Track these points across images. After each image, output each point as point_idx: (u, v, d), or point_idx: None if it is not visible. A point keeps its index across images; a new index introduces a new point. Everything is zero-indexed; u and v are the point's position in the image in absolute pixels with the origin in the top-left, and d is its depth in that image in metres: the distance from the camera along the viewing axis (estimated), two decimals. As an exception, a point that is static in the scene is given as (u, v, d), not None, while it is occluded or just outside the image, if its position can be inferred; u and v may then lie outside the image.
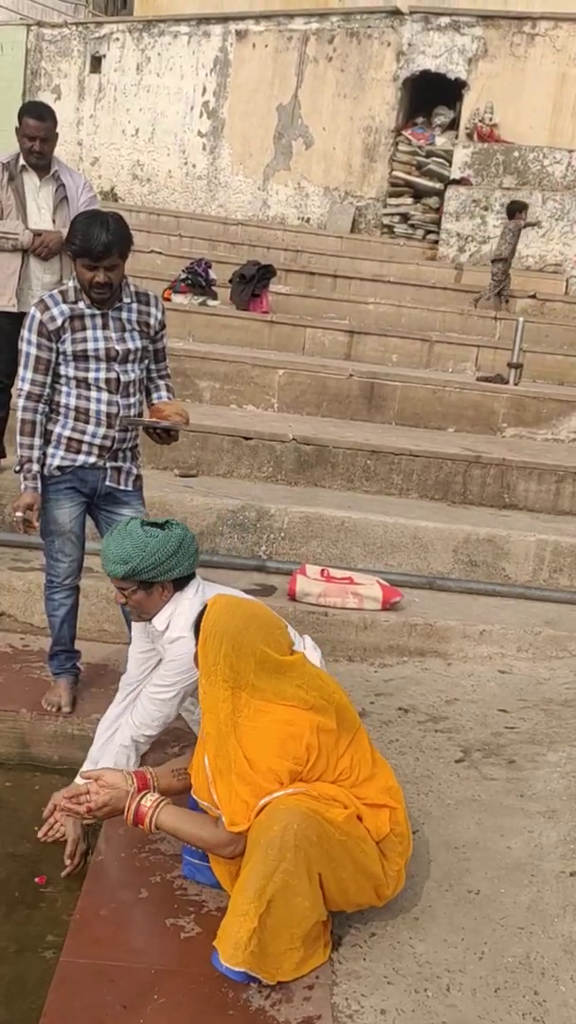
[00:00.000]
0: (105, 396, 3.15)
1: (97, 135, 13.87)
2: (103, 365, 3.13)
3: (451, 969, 2.22)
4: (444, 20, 11.68)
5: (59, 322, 3.06)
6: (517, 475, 5.37)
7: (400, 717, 3.50)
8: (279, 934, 2.12)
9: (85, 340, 3.09)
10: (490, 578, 4.67)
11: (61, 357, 3.11)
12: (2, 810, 2.96)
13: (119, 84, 13.64)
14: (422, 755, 3.22)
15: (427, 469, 5.34)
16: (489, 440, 6.21)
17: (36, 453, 3.14)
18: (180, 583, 2.72)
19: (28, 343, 3.09)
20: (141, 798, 2.34)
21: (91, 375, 3.13)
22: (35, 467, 3.13)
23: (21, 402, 3.14)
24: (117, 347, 3.14)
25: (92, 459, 3.20)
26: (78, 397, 3.14)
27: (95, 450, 3.19)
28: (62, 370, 3.13)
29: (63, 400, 3.15)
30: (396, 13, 11.86)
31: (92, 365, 3.12)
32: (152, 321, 3.23)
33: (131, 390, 3.21)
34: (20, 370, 3.14)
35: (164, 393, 3.38)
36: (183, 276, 8.30)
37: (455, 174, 11.25)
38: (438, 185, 11.48)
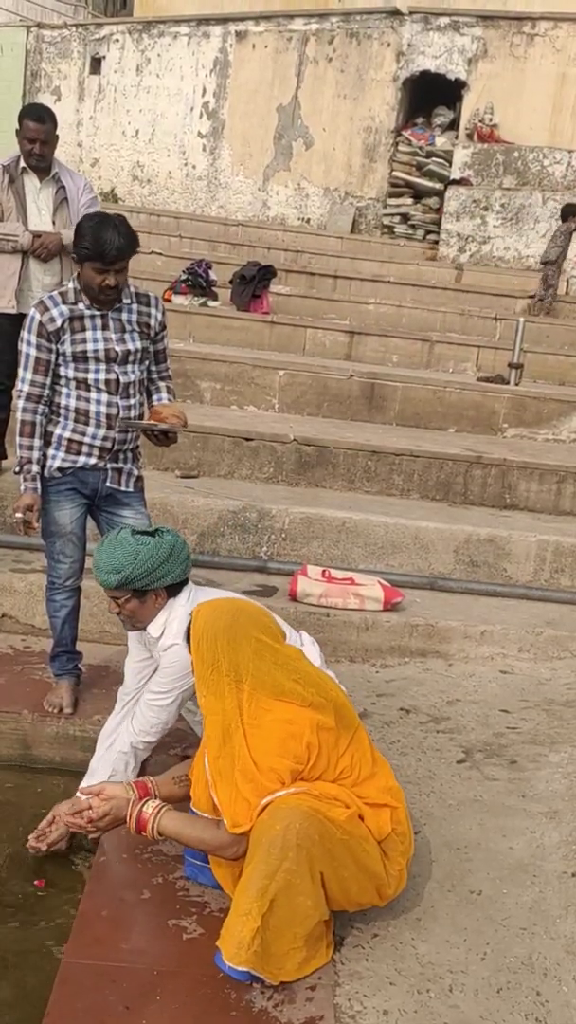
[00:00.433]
0: (105, 397, 3.15)
1: (97, 136, 13.88)
2: (103, 366, 3.13)
3: (453, 970, 2.22)
4: (444, 20, 11.68)
5: (59, 323, 3.06)
6: (518, 475, 5.37)
7: (402, 718, 3.50)
8: (282, 934, 2.12)
9: (85, 341, 3.09)
10: (491, 578, 4.67)
11: (61, 358, 3.11)
12: (3, 811, 2.96)
13: (119, 85, 13.64)
14: (424, 756, 3.22)
15: (428, 470, 5.34)
16: (490, 440, 6.21)
17: (36, 454, 3.14)
18: (173, 590, 2.72)
19: (28, 344, 3.10)
20: (142, 805, 2.34)
21: (91, 376, 3.13)
22: (35, 468, 3.13)
23: (21, 403, 3.14)
24: (117, 348, 3.14)
25: (92, 460, 3.20)
26: (78, 398, 3.14)
27: (95, 451, 3.19)
28: (62, 371, 3.13)
29: (63, 401, 3.15)
30: (396, 14, 11.86)
31: (92, 366, 3.12)
32: (152, 322, 3.23)
33: (131, 391, 3.21)
34: (20, 371, 3.15)
35: (164, 395, 3.38)
36: (183, 277, 8.30)
37: (455, 174, 11.25)
38: (438, 185, 11.48)
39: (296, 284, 9.48)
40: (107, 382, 3.15)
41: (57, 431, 3.18)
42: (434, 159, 11.63)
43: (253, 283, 8.28)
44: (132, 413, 3.24)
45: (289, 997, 2.11)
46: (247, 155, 12.93)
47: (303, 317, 8.30)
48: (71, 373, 3.12)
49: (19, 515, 3.14)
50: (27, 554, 4.27)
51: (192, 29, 13.06)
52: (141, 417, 3.31)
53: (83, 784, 2.79)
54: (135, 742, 2.76)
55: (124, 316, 3.16)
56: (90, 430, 3.16)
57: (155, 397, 3.37)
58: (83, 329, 3.09)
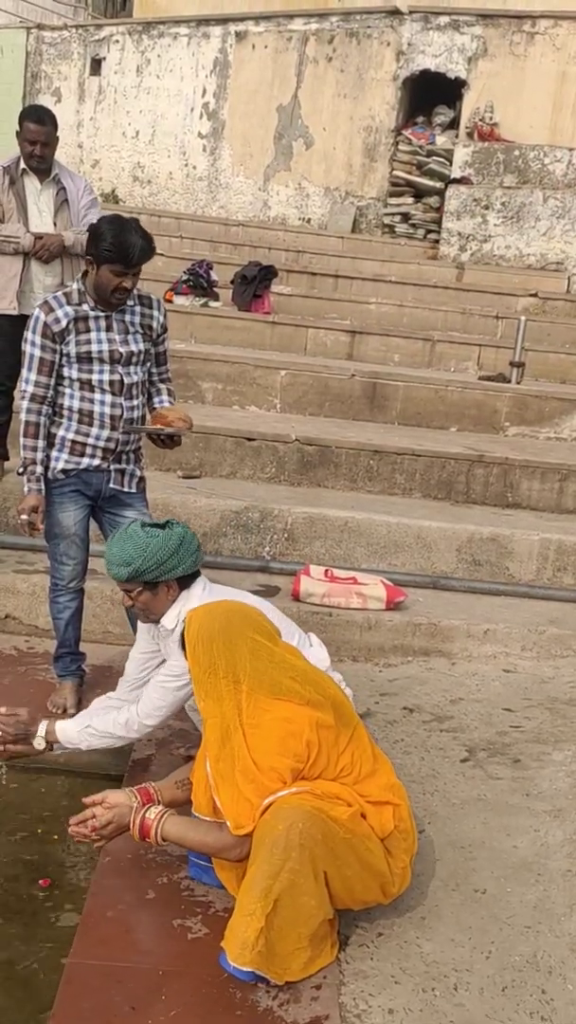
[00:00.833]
0: (108, 398, 3.15)
1: (97, 137, 13.88)
2: (106, 367, 3.14)
3: (458, 968, 2.23)
4: (444, 19, 11.66)
5: (63, 324, 3.07)
6: (520, 474, 5.37)
7: (405, 717, 3.51)
8: (286, 934, 2.12)
9: (89, 342, 3.10)
10: (494, 577, 4.67)
11: (64, 359, 3.12)
12: (7, 812, 2.96)
13: (119, 86, 13.64)
14: (427, 755, 3.22)
15: (430, 469, 5.34)
16: (492, 439, 6.21)
17: (40, 455, 3.14)
18: (185, 581, 2.73)
19: (32, 345, 3.10)
20: (145, 811, 2.33)
21: (95, 377, 3.13)
22: (39, 469, 3.14)
23: (24, 404, 3.14)
24: (120, 349, 3.15)
25: (96, 462, 3.21)
26: (81, 399, 3.15)
27: (99, 452, 3.20)
28: (65, 372, 3.13)
29: (66, 403, 3.16)
30: (395, 13, 11.85)
31: (95, 367, 3.13)
32: (155, 324, 3.24)
33: (134, 392, 3.22)
34: (23, 372, 3.15)
35: (165, 397, 3.39)
36: (184, 277, 8.30)
37: (456, 173, 11.24)
38: (439, 184, 11.47)
39: (297, 284, 9.47)
40: (111, 383, 3.15)
41: (60, 432, 3.19)
42: (435, 158, 11.62)
43: (254, 283, 8.28)
44: (135, 414, 3.25)
45: (294, 996, 2.11)
46: (247, 155, 12.93)
47: (304, 317, 8.30)
48: (75, 374, 3.13)
49: (24, 516, 3.14)
50: (30, 555, 4.27)
51: (192, 30, 13.06)
52: (143, 418, 3.31)
53: (58, 721, 2.78)
54: (132, 720, 2.71)
55: (127, 318, 3.17)
56: (93, 431, 3.17)
57: (156, 399, 3.38)
58: (88, 330, 3.10)
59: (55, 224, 4.30)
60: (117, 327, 3.15)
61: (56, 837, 2.82)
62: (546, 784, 3.06)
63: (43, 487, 3.16)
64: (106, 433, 3.18)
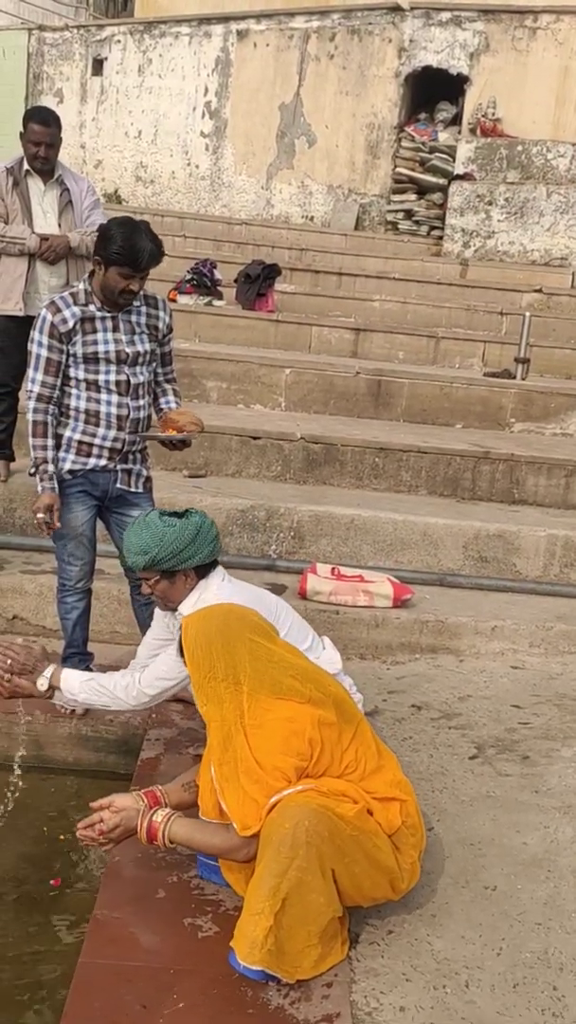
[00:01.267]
0: (115, 398, 3.16)
1: (100, 138, 13.89)
2: (113, 367, 3.15)
3: (469, 965, 2.22)
4: (445, 15, 11.64)
5: (70, 324, 3.07)
6: (526, 470, 5.36)
7: (413, 714, 3.50)
8: (296, 932, 2.12)
9: (96, 342, 3.11)
10: (501, 574, 4.66)
11: (71, 359, 3.12)
12: (18, 811, 2.97)
13: (121, 86, 13.65)
14: (436, 752, 3.22)
15: (436, 466, 5.33)
16: (497, 436, 6.20)
17: (50, 454, 3.14)
18: (202, 570, 2.74)
19: (39, 345, 3.10)
20: (152, 814, 2.32)
21: (101, 377, 3.14)
22: (50, 468, 3.13)
23: (31, 404, 3.14)
24: (127, 349, 3.16)
25: (103, 462, 3.22)
26: (88, 400, 3.15)
27: (105, 453, 3.21)
28: (71, 372, 3.14)
29: (73, 403, 3.16)
30: (397, 9, 11.83)
31: (102, 367, 3.13)
32: (160, 325, 3.25)
33: (140, 392, 3.23)
34: (29, 372, 3.14)
35: (172, 398, 3.40)
36: (188, 277, 8.30)
37: (459, 169, 11.22)
38: (442, 181, 11.45)
39: (301, 282, 9.47)
40: (117, 383, 3.16)
41: (67, 433, 3.19)
42: (437, 154, 11.60)
43: (258, 282, 8.28)
44: (141, 414, 3.25)
45: (305, 995, 2.11)
46: (250, 154, 12.92)
47: (308, 315, 8.29)
48: (81, 374, 3.13)
49: (40, 515, 3.12)
50: (37, 556, 4.28)
51: (193, 29, 13.06)
52: (149, 418, 3.32)
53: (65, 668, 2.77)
54: (132, 686, 2.69)
55: (134, 318, 3.18)
56: (100, 431, 3.17)
57: (162, 400, 3.38)
58: (94, 331, 3.11)
59: (59, 225, 4.31)
60: (123, 327, 3.16)
61: (63, 838, 2.83)
62: (555, 780, 3.06)
63: (56, 485, 3.15)
64: (112, 433, 3.18)
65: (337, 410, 6.38)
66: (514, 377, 7.02)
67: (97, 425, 3.17)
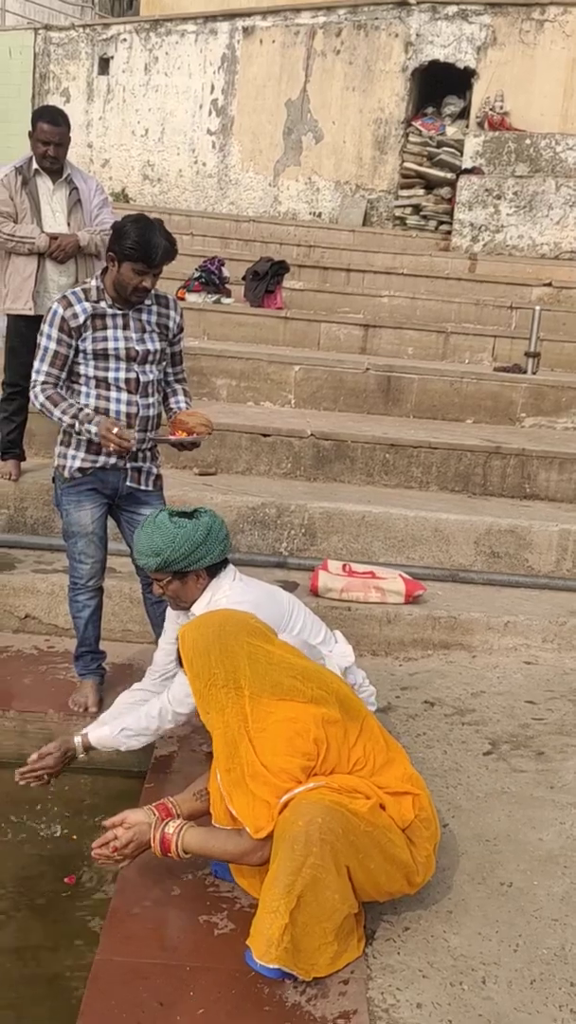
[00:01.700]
0: (125, 396, 3.16)
1: (107, 137, 13.91)
2: (123, 365, 3.15)
3: (486, 962, 2.22)
4: (452, 9, 11.60)
5: (81, 319, 3.08)
6: (537, 465, 5.34)
7: (426, 710, 3.50)
8: (311, 930, 2.12)
9: (106, 339, 3.11)
10: (513, 569, 4.64)
11: (81, 356, 3.12)
12: (32, 809, 2.98)
13: (127, 85, 13.66)
14: (450, 748, 3.21)
15: (446, 461, 5.32)
16: (508, 430, 6.18)
17: (75, 408, 3.09)
18: (214, 570, 2.75)
19: (48, 338, 3.10)
20: (164, 826, 2.30)
21: (111, 375, 3.14)
22: (84, 411, 3.07)
23: (36, 390, 3.11)
24: (137, 347, 3.16)
25: (112, 460, 3.22)
26: (97, 397, 3.15)
27: (115, 451, 3.21)
28: (82, 369, 3.14)
29: (82, 401, 3.16)
30: (403, 4, 11.79)
31: (112, 364, 3.14)
32: (171, 324, 3.26)
33: (149, 390, 3.23)
34: (35, 363, 3.12)
35: (181, 398, 3.40)
36: (196, 275, 8.31)
37: (467, 163, 11.18)
38: (450, 175, 11.42)
39: (309, 279, 9.46)
40: (127, 381, 3.16)
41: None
42: (445, 149, 11.56)
43: (266, 279, 8.27)
44: (151, 412, 3.25)
45: (322, 992, 2.11)
46: (257, 151, 12.91)
47: (317, 312, 8.28)
48: (91, 372, 3.13)
49: (115, 432, 3.01)
50: (48, 555, 4.29)
51: (199, 26, 13.06)
52: (159, 416, 3.32)
53: (89, 729, 2.76)
54: (165, 710, 2.71)
55: (144, 317, 3.18)
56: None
57: (172, 400, 3.38)
58: (105, 327, 3.11)
59: (68, 224, 4.31)
60: (134, 325, 3.16)
61: (75, 837, 2.84)
62: (570, 776, 3.04)
63: (100, 418, 3.10)
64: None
65: (347, 407, 6.37)
66: (524, 372, 6.99)
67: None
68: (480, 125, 11.52)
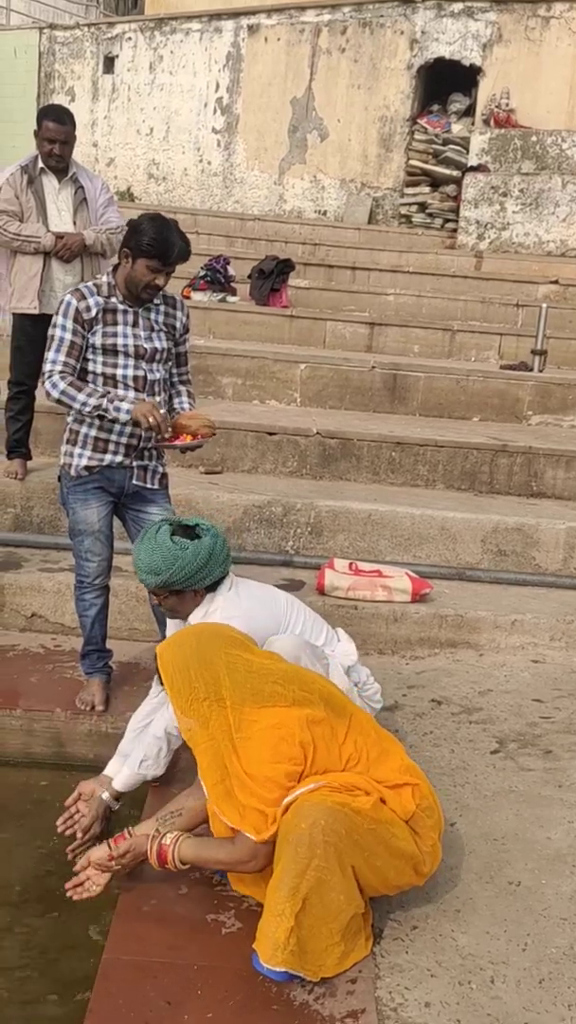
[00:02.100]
0: (131, 394, 3.16)
1: (112, 136, 13.91)
2: (131, 362, 3.15)
3: (494, 961, 2.21)
4: (457, 6, 11.57)
5: (93, 312, 3.09)
6: (544, 463, 5.32)
7: (433, 709, 3.49)
8: (318, 931, 2.12)
9: (115, 335, 3.12)
10: (520, 567, 4.63)
11: (90, 351, 3.13)
12: (40, 809, 2.98)
13: (132, 84, 13.66)
14: (457, 747, 3.20)
15: (453, 459, 5.30)
16: (515, 428, 6.16)
17: (100, 392, 3.07)
18: (213, 586, 2.77)
19: (62, 328, 3.09)
20: (161, 838, 2.30)
21: (119, 372, 3.14)
22: (106, 400, 3.05)
23: (53, 379, 3.07)
24: (145, 345, 3.17)
25: (119, 458, 3.22)
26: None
27: (121, 449, 3.21)
28: (89, 366, 3.14)
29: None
30: (408, 1, 11.77)
31: (120, 360, 3.14)
32: (177, 324, 3.28)
33: (156, 389, 3.24)
34: (50, 355, 3.09)
35: (185, 399, 3.40)
36: (202, 273, 8.30)
37: (472, 161, 11.15)
38: (455, 173, 11.39)
39: (314, 277, 9.45)
40: (135, 378, 3.16)
41: (83, 429, 3.20)
42: (451, 146, 11.54)
43: (271, 277, 8.26)
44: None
45: (330, 991, 2.10)
46: (262, 149, 12.90)
47: (322, 310, 8.27)
48: (99, 368, 3.14)
49: (150, 419, 2.99)
50: (54, 554, 4.29)
51: (204, 24, 13.05)
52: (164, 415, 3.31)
53: (110, 765, 2.77)
54: (169, 728, 2.72)
55: (152, 316, 3.20)
56: (117, 427, 3.17)
57: (176, 401, 3.38)
58: (115, 323, 3.12)
59: (74, 223, 4.31)
60: (143, 323, 3.17)
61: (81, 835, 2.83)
62: (578, 775, 3.03)
63: (130, 396, 3.09)
64: (129, 429, 3.18)
65: (353, 405, 6.36)
66: (531, 369, 6.97)
67: (114, 421, 3.17)
68: (486, 122, 11.49)
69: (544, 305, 7.47)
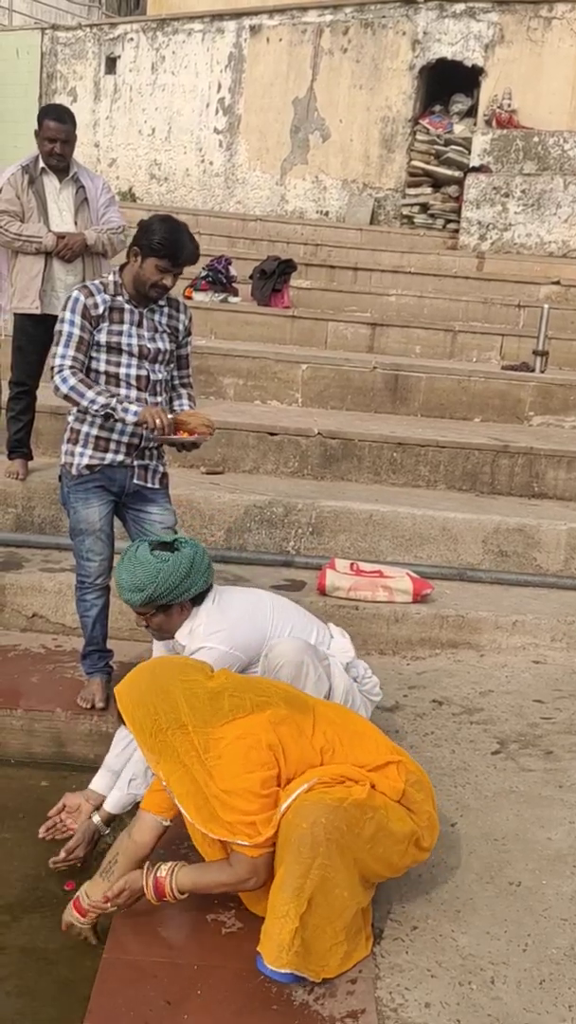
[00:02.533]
0: (134, 393, 3.17)
1: (114, 136, 13.92)
2: (134, 361, 3.16)
3: (495, 961, 2.21)
4: (459, 7, 11.57)
5: (101, 309, 3.10)
6: (546, 463, 5.32)
7: (434, 709, 3.48)
8: (323, 931, 2.12)
9: (120, 333, 3.14)
10: (521, 568, 4.62)
11: (94, 349, 3.13)
12: (40, 809, 2.97)
13: (134, 84, 13.67)
14: (458, 747, 3.20)
15: (454, 460, 5.30)
16: (516, 429, 6.15)
17: (106, 394, 3.07)
18: (198, 599, 2.77)
19: (71, 324, 3.09)
20: (156, 871, 2.28)
21: (122, 371, 3.15)
22: (114, 401, 3.06)
23: (63, 374, 3.06)
24: (148, 345, 3.18)
25: (120, 457, 3.22)
26: (107, 394, 3.16)
27: (123, 448, 3.21)
28: (93, 364, 3.15)
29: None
30: (410, 2, 11.77)
31: (124, 359, 3.15)
32: (180, 327, 3.30)
33: (158, 389, 3.25)
34: (58, 349, 3.09)
35: (185, 401, 3.40)
36: (203, 274, 8.30)
37: (474, 162, 11.15)
38: (457, 173, 11.39)
39: (316, 277, 9.45)
40: (138, 378, 3.17)
41: (85, 428, 3.20)
42: (453, 147, 11.53)
43: (273, 278, 8.26)
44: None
45: (330, 991, 2.10)
46: (264, 150, 12.90)
47: (324, 310, 8.27)
48: (102, 367, 3.14)
49: (159, 421, 3.02)
50: (56, 554, 4.29)
51: (206, 25, 13.05)
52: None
53: (96, 780, 2.74)
54: None
55: (156, 317, 3.21)
56: (118, 426, 3.17)
57: (176, 403, 3.39)
58: (121, 321, 3.14)
59: (75, 223, 4.31)
60: (147, 324, 3.19)
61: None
62: (579, 776, 3.03)
63: (133, 395, 3.09)
64: (130, 428, 3.19)
65: (354, 405, 6.36)
66: (532, 370, 6.97)
67: (119, 421, 3.17)
68: (488, 123, 11.49)
69: (546, 306, 7.47)
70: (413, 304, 8.86)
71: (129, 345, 3.15)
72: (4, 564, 4.19)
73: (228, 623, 2.75)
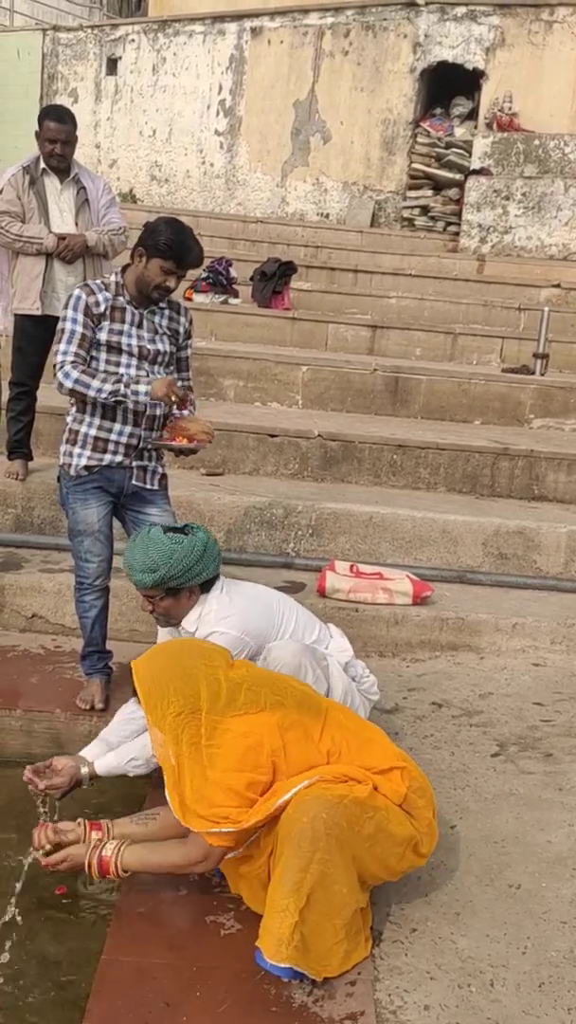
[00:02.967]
0: (133, 371, 3.17)
1: (114, 137, 13.92)
2: (134, 361, 3.16)
3: (494, 964, 2.20)
4: (460, 10, 11.58)
5: (102, 308, 3.11)
6: (546, 466, 5.32)
7: (434, 712, 3.48)
8: (323, 928, 2.11)
9: (121, 333, 3.14)
10: (521, 571, 4.62)
11: (94, 348, 3.13)
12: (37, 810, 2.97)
13: (135, 85, 13.68)
14: (457, 750, 3.19)
15: (454, 462, 5.30)
16: (516, 432, 6.15)
17: (111, 381, 3.07)
18: (205, 585, 2.76)
19: (73, 321, 3.10)
20: (102, 849, 2.28)
21: (121, 371, 3.15)
22: (121, 386, 3.06)
23: (65, 369, 3.06)
24: (148, 346, 3.19)
25: (118, 458, 3.22)
26: (107, 394, 3.16)
27: (121, 449, 3.21)
28: (93, 364, 3.15)
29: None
30: (412, 4, 11.78)
31: (124, 360, 3.15)
32: (180, 329, 3.31)
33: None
34: (61, 346, 3.10)
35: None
36: (204, 275, 8.30)
37: (475, 164, 11.16)
38: (458, 176, 11.40)
39: (317, 279, 9.45)
40: (136, 379, 3.16)
41: (83, 429, 3.20)
42: (453, 150, 11.54)
43: (274, 279, 8.27)
44: (157, 411, 3.26)
45: (329, 993, 2.10)
46: (264, 151, 12.91)
47: (324, 312, 8.27)
48: (102, 366, 3.15)
49: (171, 398, 3.03)
50: (55, 555, 4.29)
51: (207, 27, 13.06)
52: (165, 418, 3.31)
53: (89, 748, 2.72)
54: None
55: (157, 319, 3.22)
56: (116, 427, 3.17)
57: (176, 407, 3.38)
58: (122, 321, 3.15)
59: (76, 224, 4.31)
60: (147, 325, 3.19)
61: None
62: (579, 778, 3.03)
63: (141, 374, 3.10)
64: (128, 429, 3.19)
65: (354, 407, 6.36)
66: (533, 373, 6.97)
67: (114, 420, 3.17)
68: (488, 126, 11.50)
69: (546, 309, 7.47)
70: (413, 306, 8.87)
71: (129, 345, 3.15)
72: (4, 564, 4.18)
73: (238, 609, 2.74)
